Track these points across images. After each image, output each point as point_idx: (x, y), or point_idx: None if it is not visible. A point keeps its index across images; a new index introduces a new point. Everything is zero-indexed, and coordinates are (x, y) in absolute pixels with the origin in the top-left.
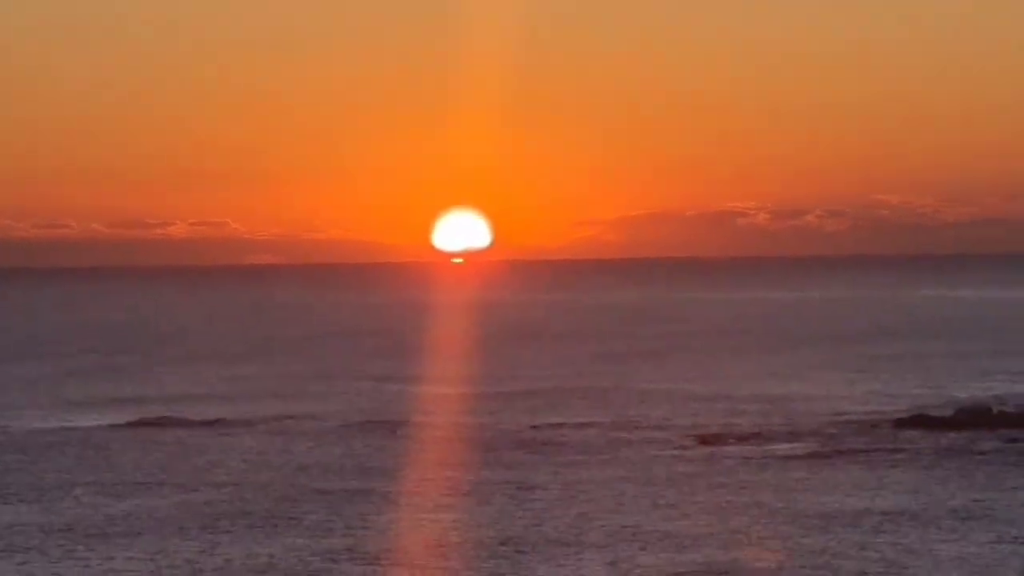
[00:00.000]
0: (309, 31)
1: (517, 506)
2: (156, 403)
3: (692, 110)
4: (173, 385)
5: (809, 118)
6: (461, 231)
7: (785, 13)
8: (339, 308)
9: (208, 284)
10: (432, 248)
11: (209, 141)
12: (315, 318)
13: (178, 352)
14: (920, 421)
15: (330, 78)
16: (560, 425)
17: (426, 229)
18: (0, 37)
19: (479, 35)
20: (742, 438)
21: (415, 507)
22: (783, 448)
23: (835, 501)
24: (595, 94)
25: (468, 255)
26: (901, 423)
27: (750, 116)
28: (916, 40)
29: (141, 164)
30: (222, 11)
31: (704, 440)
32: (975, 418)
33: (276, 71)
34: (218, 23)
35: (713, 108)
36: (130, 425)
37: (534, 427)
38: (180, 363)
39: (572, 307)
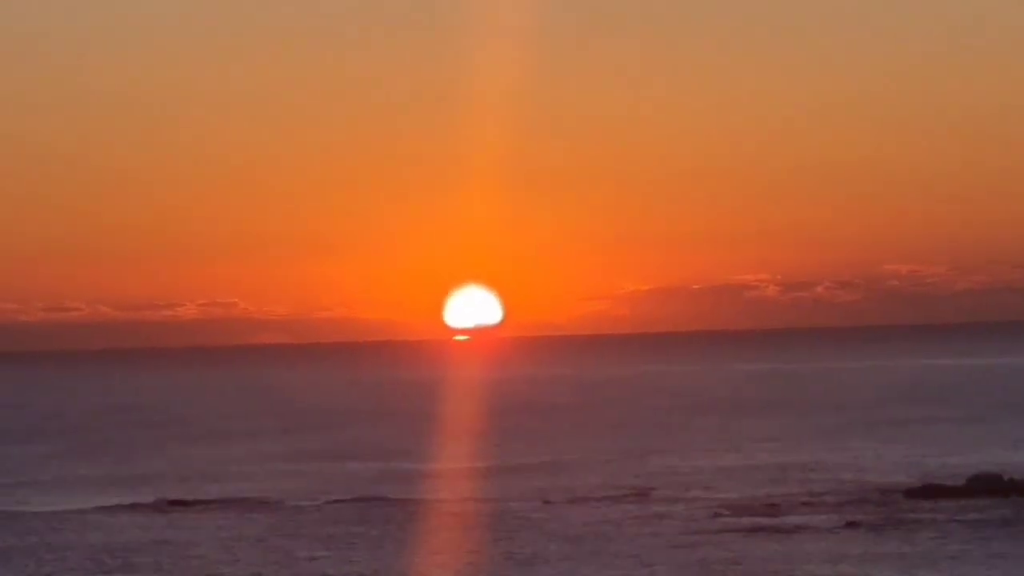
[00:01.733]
0: (314, 113)
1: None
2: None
3: (697, 182)
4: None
5: (817, 189)
6: (472, 307)
7: (790, 82)
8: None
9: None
10: (444, 325)
11: (216, 220)
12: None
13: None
14: (932, 491)
15: (336, 154)
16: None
17: (437, 305)
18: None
19: (485, 110)
20: (757, 509)
21: None
22: (795, 520)
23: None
24: (601, 168)
25: (478, 331)
26: (912, 493)
27: (757, 187)
28: (924, 110)
29: (149, 244)
30: (225, 84)
31: (720, 512)
32: (987, 487)
33: (283, 150)
34: (222, 104)
35: (719, 180)
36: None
37: (547, 502)
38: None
39: (575, 382)
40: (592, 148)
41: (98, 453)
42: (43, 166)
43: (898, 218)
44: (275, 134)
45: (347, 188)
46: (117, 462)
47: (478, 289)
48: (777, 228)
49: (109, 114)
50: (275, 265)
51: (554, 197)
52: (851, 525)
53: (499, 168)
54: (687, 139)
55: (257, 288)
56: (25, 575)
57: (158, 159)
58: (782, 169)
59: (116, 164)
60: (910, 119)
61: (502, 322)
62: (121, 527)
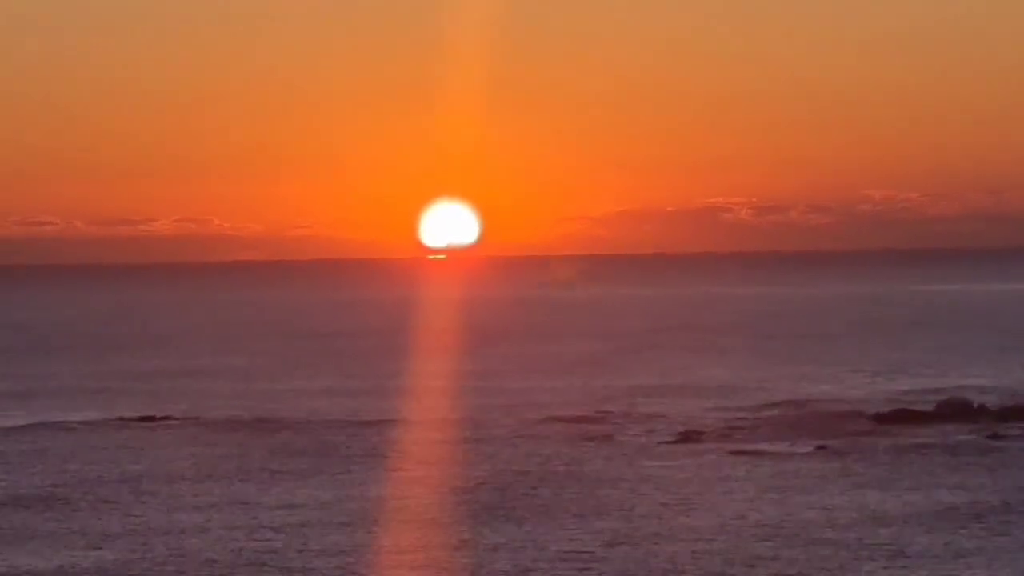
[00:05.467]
0: (293, 28)
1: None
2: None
3: (676, 105)
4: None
5: (794, 113)
6: (448, 226)
7: (770, 8)
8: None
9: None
10: (419, 243)
11: (193, 136)
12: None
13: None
14: (901, 416)
15: (314, 73)
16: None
17: (413, 223)
18: None
19: (465, 30)
20: (723, 433)
21: None
22: (762, 446)
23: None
24: (579, 89)
25: (454, 250)
26: (882, 417)
27: (734, 111)
28: (901, 37)
29: (124, 160)
30: (208, 8)
31: (687, 436)
32: (955, 412)
33: (260, 67)
34: (202, 20)
35: (696, 103)
36: None
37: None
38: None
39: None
40: (572, 70)
41: None
42: (18, 82)
43: (874, 143)
44: (253, 53)
45: (326, 106)
46: None
47: (455, 206)
48: (752, 151)
49: (88, 30)
50: (251, 183)
51: (532, 118)
52: (820, 449)
53: (479, 88)
54: (666, 63)
55: (232, 205)
56: None
57: (134, 75)
58: (758, 93)
59: (93, 80)
60: (887, 46)
61: (478, 241)
62: None
